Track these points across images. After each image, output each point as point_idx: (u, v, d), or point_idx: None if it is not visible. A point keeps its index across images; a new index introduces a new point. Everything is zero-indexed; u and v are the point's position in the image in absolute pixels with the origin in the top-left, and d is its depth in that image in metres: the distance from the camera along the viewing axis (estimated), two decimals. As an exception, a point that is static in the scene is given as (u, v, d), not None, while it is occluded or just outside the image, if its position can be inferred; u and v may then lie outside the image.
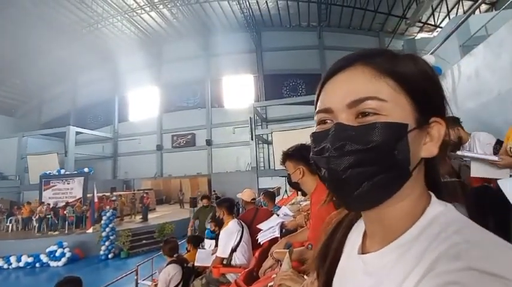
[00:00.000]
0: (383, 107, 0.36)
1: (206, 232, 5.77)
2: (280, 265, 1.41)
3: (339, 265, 0.50)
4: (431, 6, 14.46)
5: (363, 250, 0.44)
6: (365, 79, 0.37)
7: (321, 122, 0.41)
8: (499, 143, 2.34)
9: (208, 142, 20.62)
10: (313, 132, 0.42)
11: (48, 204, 11.80)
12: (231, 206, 3.11)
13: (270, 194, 4.61)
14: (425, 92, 0.38)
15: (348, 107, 0.37)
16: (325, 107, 0.40)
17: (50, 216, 11.31)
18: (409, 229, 0.37)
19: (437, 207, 0.38)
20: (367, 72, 0.38)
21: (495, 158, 1.78)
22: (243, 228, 2.90)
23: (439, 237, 0.34)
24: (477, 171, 1.81)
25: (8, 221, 11.89)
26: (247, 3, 17.57)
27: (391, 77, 0.37)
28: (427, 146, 0.38)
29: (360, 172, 0.35)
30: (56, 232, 10.76)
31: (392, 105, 0.36)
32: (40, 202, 12.33)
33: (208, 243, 3.98)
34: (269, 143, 16.91)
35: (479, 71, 3.36)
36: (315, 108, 0.43)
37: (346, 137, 0.36)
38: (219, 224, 3.93)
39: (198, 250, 3.60)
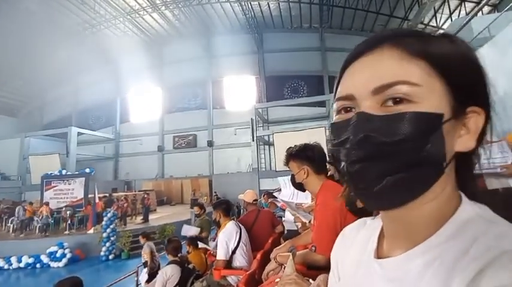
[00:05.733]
0: (415, 92, 0.31)
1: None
2: (284, 269, 1.38)
3: (346, 272, 0.45)
4: (434, 7, 14.44)
5: (380, 254, 0.40)
6: (393, 62, 0.33)
7: (341, 110, 0.37)
8: None
9: (210, 143, 20.62)
10: (332, 123, 0.38)
11: (47, 203, 11.78)
12: (227, 208, 3.07)
13: (273, 195, 4.59)
14: (463, 76, 0.33)
15: (373, 94, 0.33)
16: (346, 93, 0.36)
17: (54, 216, 11.31)
18: (439, 231, 0.33)
19: (471, 207, 0.34)
20: (395, 54, 0.33)
21: (501, 170, 1.74)
22: (241, 229, 2.87)
23: (478, 242, 0.30)
24: (492, 184, 1.77)
25: (10, 222, 11.89)
26: (249, 4, 17.62)
27: (424, 58, 0.32)
28: (463, 139, 0.34)
29: (383, 165, 0.31)
30: (64, 232, 10.74)
31: (425, 90, 0.32)
32: (41, 202, 12.32)
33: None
34: (270, 144, 16.93)
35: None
36: (334, 96, 0.39)
37: (370, 129, 0.32)
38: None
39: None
